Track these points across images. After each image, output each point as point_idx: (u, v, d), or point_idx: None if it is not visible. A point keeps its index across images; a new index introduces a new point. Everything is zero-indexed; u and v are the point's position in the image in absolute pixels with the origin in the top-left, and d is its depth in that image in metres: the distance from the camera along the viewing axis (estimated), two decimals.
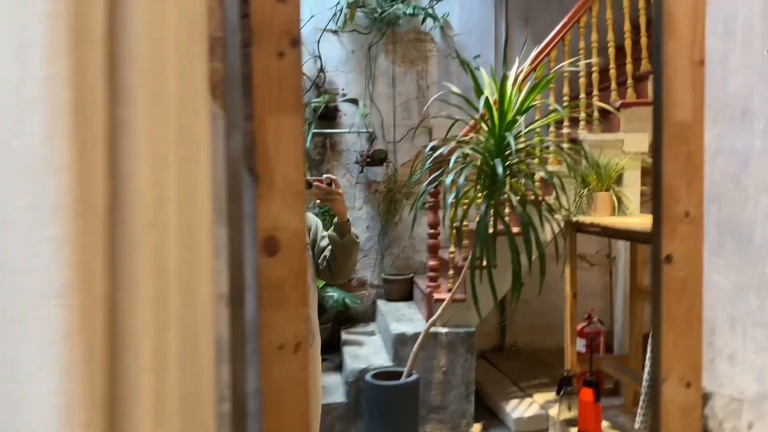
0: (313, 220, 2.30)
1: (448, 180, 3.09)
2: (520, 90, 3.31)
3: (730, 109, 1.31)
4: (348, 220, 2.18)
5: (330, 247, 2.20)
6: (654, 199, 1.29)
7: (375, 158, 4.79)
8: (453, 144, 3.39)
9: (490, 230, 3.62)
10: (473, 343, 3.91)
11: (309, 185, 2.08)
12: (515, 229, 3.42)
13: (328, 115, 4.83)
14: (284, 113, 1.13)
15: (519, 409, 3.96)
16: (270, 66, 1.13)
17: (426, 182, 3.33)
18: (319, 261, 2.23)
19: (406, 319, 4.26)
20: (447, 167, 3.15)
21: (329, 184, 2.11)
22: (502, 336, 5.23)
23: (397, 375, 3.55)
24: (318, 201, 2.18)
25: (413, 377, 3.54)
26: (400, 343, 3.89)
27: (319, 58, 4.86)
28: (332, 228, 2.20)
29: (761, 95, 1.30)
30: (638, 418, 3.03)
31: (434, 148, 3.40)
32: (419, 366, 3.78)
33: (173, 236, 0.84)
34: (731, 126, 1.31)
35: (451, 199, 3.12)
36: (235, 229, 1.08)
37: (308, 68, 4.84)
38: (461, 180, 3.04)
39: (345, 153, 4.98)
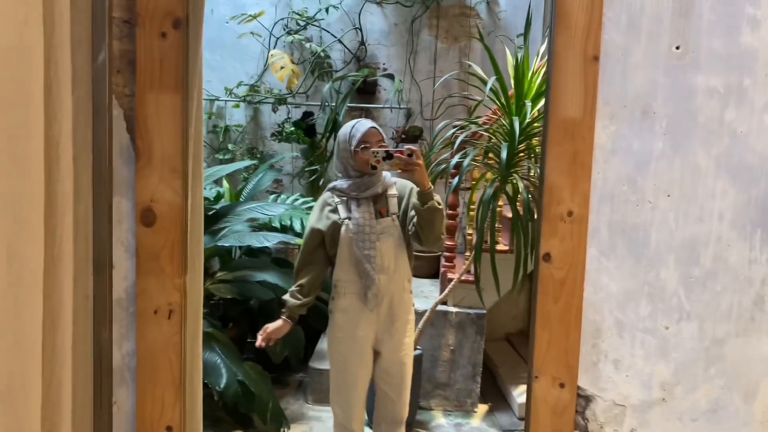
0: (408, 186, 2.46)
1: (453, 161, 3.07)
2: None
3: (629, 107, 1.25)
4: (430, 188, 2.30)
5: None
6: (538, 196, 1.27)
7: (409, 135, 4.79)
8: (468, 125, 3.35)
9: (509, 215, 3.58)
10: (483, 325, 3.89)
11: (390, 156, 2.24)
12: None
13: (367, 90, 4.85)
14: (164, 91, 1.19)
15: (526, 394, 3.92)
16: (152, 46, 1.18)
17: (434, 163, 3.32)
18: (409, 228, 2.42)
19: (422, 295, 4.28)
20: (453, 148, 3.13)
21: (410, 155, 2.24)
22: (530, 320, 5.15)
23: None
24: (399, 171, 2.32)
25: (416, 352, 3.57)
26: None
27: (360, 30, 4.86)
28: (416, 196, 2.34)
29: (665, 94, 1.24)
30: None
31: (450, 127, 3.37)
32: (427, 342, 3.82)
33: None
34: (630, 125, 1.26)
35: (455, 181, 3.10)
36: (102, 200, 1.15)
37: (349, 40, 4.86)
38: (466, 162, 3.01)
39: (381, 129, 4.98)
